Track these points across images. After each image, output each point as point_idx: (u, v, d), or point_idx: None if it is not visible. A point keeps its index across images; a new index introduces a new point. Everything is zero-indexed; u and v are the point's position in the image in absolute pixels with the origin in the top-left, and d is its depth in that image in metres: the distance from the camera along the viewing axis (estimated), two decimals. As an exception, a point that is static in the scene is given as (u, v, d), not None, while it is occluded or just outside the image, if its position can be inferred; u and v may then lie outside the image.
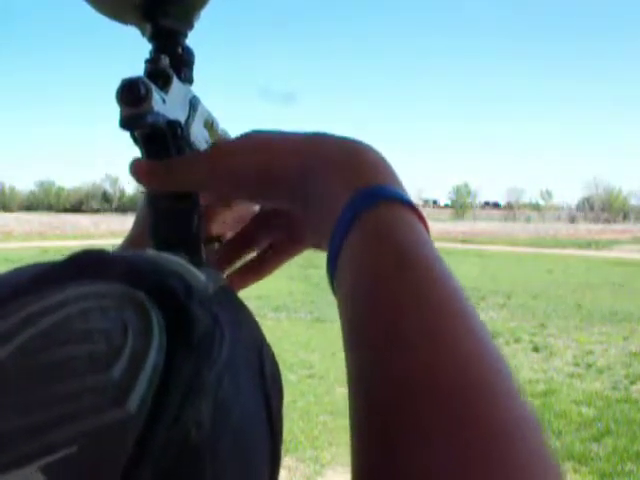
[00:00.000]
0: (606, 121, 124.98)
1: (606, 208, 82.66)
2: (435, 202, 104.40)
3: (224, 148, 0.35)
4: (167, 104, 0.36)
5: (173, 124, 0.37)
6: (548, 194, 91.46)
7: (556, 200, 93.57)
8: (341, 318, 0.27)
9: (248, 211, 0.42)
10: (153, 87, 0.34)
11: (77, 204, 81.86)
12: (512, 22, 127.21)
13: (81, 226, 31.72)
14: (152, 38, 0.40)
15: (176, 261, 0.27)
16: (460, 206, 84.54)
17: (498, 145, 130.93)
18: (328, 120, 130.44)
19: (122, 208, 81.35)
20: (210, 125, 0.44)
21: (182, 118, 0.39)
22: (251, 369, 0.26)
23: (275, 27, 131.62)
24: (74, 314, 0.21)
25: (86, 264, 0.24)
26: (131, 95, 0.33)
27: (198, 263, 0.35)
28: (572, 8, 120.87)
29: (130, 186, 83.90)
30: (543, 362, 5.90)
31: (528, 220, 77.21)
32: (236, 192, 0.35)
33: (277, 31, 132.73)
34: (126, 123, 0.34)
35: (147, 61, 0.39)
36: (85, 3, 0.39)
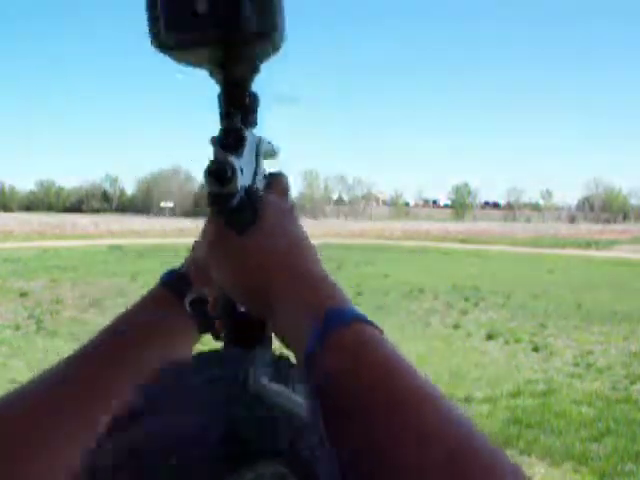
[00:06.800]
0: (606, 120, 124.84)
1: (606, 208, 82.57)
2: (435, 202, 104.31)
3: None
4: (244, 171, 0.40)
5: (249, 191, 0.42)
6: (548, 194, 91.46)
7: (556, 200, 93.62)
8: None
9: None
10: (235, 160, 0.38)
11: (77, 203, 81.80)
12: (509, 21, 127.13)
13: (81, 226, 31.67)
14: (221, 83, 0.44)
15: (279, 391, 0.27)
16: (460, 206, 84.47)
17: (498, 145, 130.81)
18: (328, 120, 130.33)
19: (122, 207, 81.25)
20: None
21: (251, 172, 0.44)
22: None
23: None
24: None
25: (240, 437, 0.24)
26: (219, 176, 0.38)
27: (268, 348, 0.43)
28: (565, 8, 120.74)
29: (129, 186, 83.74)
30: (543, 362, 5.90)
31: (528, 220, 77.07)
32: (224, 285, 0.44)
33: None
34: (214, 201, 0.39)
35: (222, 117, 0.43)
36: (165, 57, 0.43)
